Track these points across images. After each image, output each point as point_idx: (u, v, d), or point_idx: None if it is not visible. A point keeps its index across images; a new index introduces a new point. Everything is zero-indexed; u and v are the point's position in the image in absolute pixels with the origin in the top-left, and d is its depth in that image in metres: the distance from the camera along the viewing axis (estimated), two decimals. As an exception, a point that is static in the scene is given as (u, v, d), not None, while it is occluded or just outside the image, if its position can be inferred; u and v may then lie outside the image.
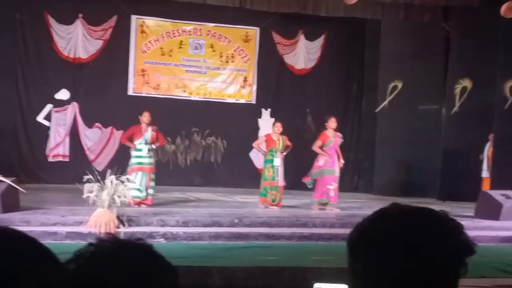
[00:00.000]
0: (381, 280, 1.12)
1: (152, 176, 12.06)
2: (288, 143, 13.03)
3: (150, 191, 12.03)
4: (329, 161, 12.72)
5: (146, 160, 12.03)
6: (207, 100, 17.70)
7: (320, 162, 12.79)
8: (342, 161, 12.95)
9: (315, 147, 12.85)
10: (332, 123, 12.89)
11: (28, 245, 1.00)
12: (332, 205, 12.75)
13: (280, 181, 12.78)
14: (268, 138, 12.94)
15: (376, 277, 1.13)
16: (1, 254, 0.94)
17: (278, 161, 12.74)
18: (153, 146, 12.25)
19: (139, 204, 11.83)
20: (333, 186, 12.73)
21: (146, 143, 12.05)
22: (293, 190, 15.81)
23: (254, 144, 13.33)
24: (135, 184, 11.68)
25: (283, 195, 13.00)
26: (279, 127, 12.96)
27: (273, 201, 12.74)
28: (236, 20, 17.42)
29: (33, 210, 10.41)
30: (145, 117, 12.10)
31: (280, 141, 12.81)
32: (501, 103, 14.30)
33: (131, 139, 12.17)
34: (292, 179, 17.25)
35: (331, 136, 12.83)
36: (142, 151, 12.02)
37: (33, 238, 1.02)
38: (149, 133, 12.06)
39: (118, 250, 1.19)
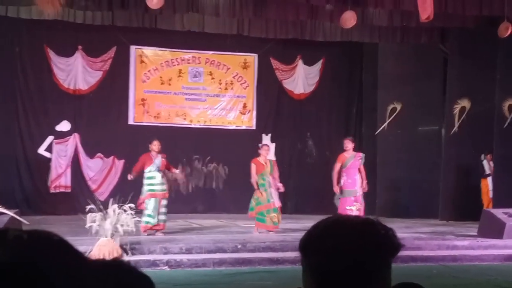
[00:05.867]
0: (321, 274, 1.33)
1: (164, 202, 12.09)
2: (276, 167, 12.92)
3: (162, 217, 12.04)
4: (348, 181, 12.58)
5: (159, 187, 12.07)
6: (208, 127, 17.76)
7: (340, 182, 12.64)
8: (365, 182, 12.65)
9: (334, 171, 12.66)
10: (347, 143, 12.83)
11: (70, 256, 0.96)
12: None
13: (276, 202, 12.63)
14: (256, 163, 12.75)
15: (317, 272, 1.34)
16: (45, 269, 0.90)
17: (269, 184, 12.64)
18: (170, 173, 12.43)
19: (151, 230, 11.86)
20: (355, 207, 12.45)
21: (158, 170, 12.11)
22: (296, 214, 15.84)
23: (253, 181, 12.80)
24: (148, 210, 11.75)
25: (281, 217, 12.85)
26: (266, 149, 12.90)
27: (275, 223, 12.58)
28: (234, 47, 17.53)
29: (36, 242, 10.38)
30: (155, 146, 12.19)
31: (268, 164, 12.76)
32: (500, 121, 14.36)
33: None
34: (294, 203, 17.33)
35: (349, 156, 12.75)
36: (155, 179, 12.08)
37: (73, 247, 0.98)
38: (159, 159, 12.12)
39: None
